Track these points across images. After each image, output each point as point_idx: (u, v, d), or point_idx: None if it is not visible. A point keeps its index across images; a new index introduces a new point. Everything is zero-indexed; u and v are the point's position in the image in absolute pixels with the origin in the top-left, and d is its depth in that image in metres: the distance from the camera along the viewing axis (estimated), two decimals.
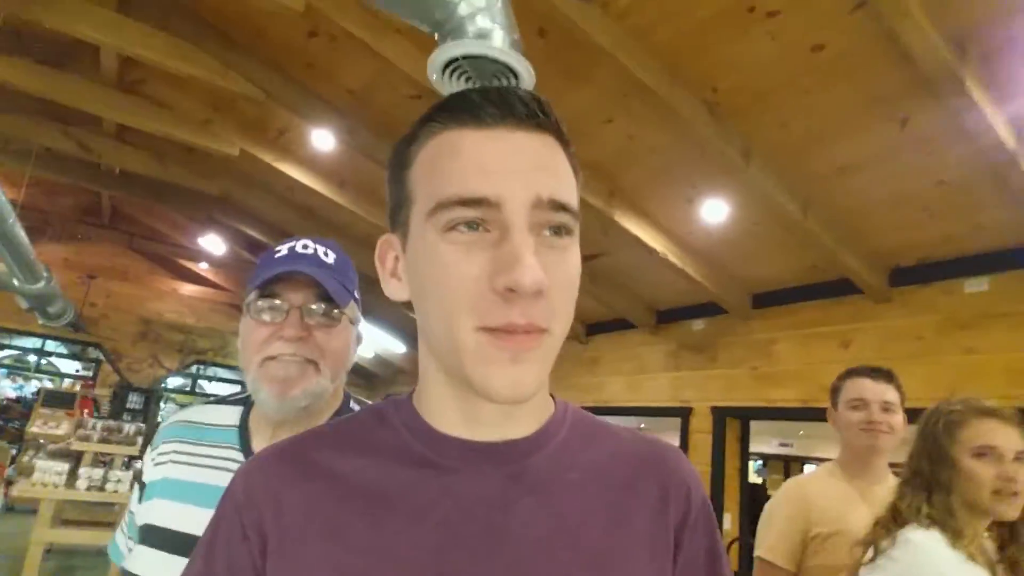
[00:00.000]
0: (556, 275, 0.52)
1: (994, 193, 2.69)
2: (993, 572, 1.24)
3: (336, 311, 0.97)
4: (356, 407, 1.04)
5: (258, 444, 0.98)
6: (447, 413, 0.58)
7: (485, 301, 0.50)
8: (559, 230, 0.53)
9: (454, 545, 0.54)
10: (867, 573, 1.31)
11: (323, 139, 3.81)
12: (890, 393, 1.74)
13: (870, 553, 1.33)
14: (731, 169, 2.98)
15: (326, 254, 1.02)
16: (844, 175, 2.94)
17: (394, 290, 0.60)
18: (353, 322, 1.03)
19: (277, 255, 1.00)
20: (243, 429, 1.00)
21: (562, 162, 0.55)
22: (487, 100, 0.53)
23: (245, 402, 1.04)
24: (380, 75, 3.15)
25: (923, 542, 1.25)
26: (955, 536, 1.24)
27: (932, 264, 3.40)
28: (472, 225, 0.51)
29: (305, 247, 1.01)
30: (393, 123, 3.50)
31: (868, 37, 2.16)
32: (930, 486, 1.32)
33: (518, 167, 0.52)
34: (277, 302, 0.95)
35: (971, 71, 2.15)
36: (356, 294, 1.04)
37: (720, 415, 4.56)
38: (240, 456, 0.97)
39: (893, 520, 1.33)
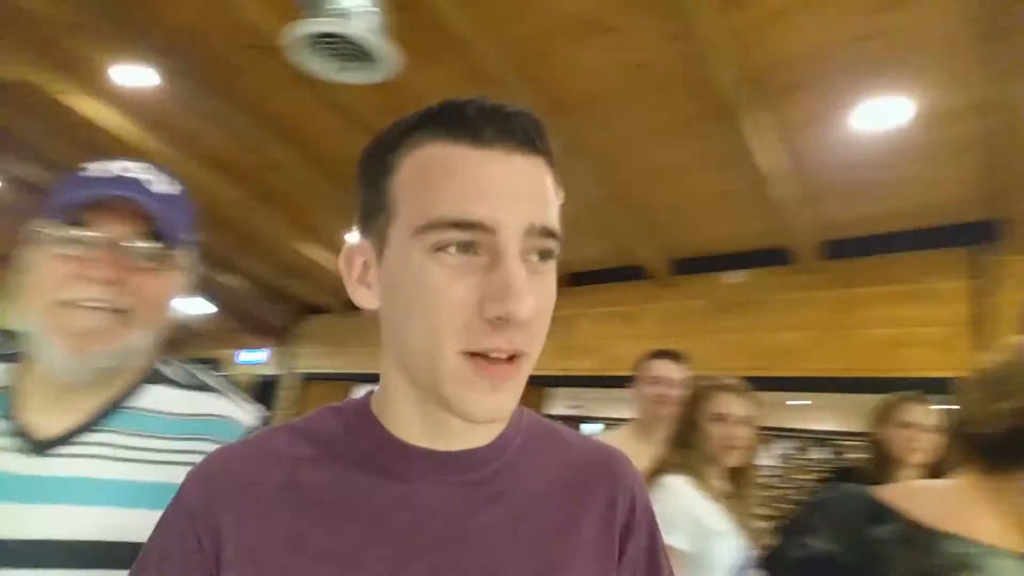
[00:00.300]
0: (539, 300, 0.51)
1: (758, 205, 3.24)
2: (726, 506, 1.60)
3: (165, 252, 0.78)
4: (167, 370, 0.88)
5: (33, 410, 0.76)
6: (410, 424, 0.57)
7: (472, 327, 0.49)
8: (544, 255, 0.53)
9: (413, 554, 0.53)
10: None
11: (137, 77, 3.33)
12: (680, 373, 2.07)
13: None
14: (559, 162, 3.21)
15: (159, 181, 0.80)
16: (650, 178, 3.34)
17: (362, 298, 0.57)
18: (183, 269, 0.83)
19: (92, 175, 0.78)
20: (10, 391, 0.77)
21: (550, 185, 0.54)
22: (486, 119, 0.51)
23: (10, 357, 0.80)
24: (214, 17, 2.85)
25: (675, 485, 1.58)
26: (698, 480, 1.59)
27: (706, 258, 4.01)
28: (463, 247, 0.49)
29: (132, 170, 0.79)
30: (223, 70, 3.19)
31: (683, 64, 2.48)
32: (683, 443, 1.67)
33: (514, 193, 0.50)
34: (88, 233, 0.73)
35: (762, 103, 2.58)
36: (191, 236, 0.84)
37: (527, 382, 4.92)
38: (4, 425, 0.75)
39: (657, 470, 1.65)
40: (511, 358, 0.50)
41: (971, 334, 3.07)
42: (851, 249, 3.48)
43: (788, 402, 6.71)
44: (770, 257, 3.72)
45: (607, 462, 0.65)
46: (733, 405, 1.68)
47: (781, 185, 2.98)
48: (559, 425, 0.69)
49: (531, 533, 0.57)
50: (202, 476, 0.56)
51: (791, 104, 2.59)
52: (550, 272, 0.54)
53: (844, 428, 7.28)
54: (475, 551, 0.54)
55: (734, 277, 3.94)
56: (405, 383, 0.56)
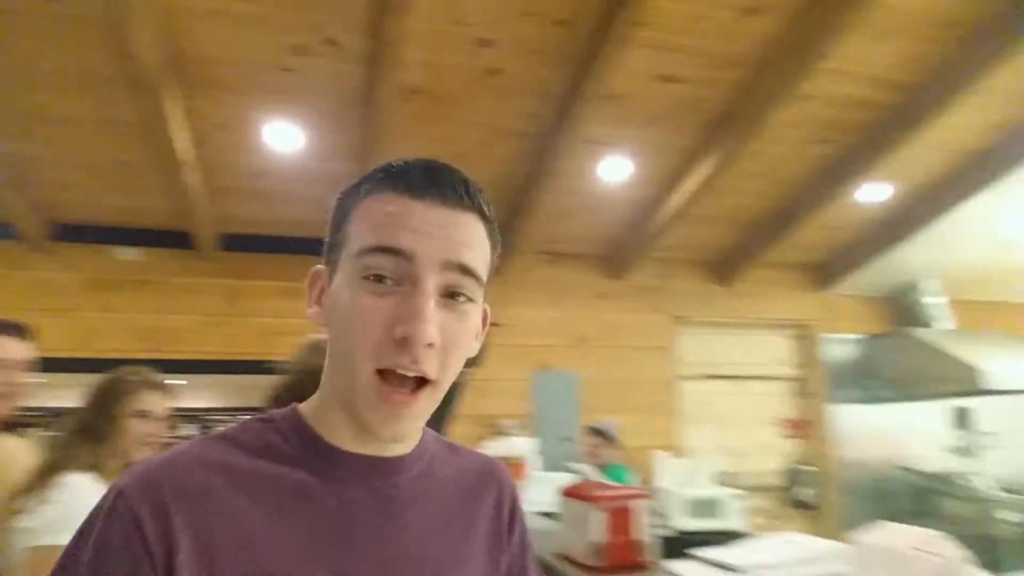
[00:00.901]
0: (453, 333, 0.57)
1: (161, 185, 3.17)
2: None
3: None
4: None
5: None
6: (345, 432, 0.62)
7: (383, 346, 0.55)
8: (463, 294, 0.59)
9: (357, 551, 0.59)
10: (23, 521, 1.37)
11: None
12: (25, 353, 1.72)
13: (23, 502, 1.39)
14: None
15: None
16: (35, 124, 2.82)
17: (314, 316, 0.64)
18: None
19: None
20: None
21: (480, 237, 0.61)
22: (424, 176, 0.59)
23: None
24: None
25: (80, 483, 1.43)
26: (105, 477, 1.48)
27: (95, 227, 3.62)
28: (388, 275, 0.56)
29: None
30: None
31: (102, 16, 2.24)
32: (94, 438, 1.53)
33: (436, 233, 0.57)
34: None
35: (184, 89, 2.57)
36: None
37: None
38: None
39: (50, 469, 1.45)
40: (417, 386, 0.57)
41: None
42: (246, 245, 3.81)
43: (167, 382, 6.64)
44: (169, 239, 3.68)
45: (492, 470, 0.76)
46: (157, 402, 1.63)
47: (189, 172, 3.03)
48: (448, 439, 0.77)
49: (441, 529, 0.66)
50: (144, 483, 0.55)
51: (212, 101, 2.71)
52: (469, 313, 0.60)
53: (216, 405, 7.83)
54: (407, 546, 0.62)
55: (127, 253, 3.70)
56: (339, 395, 0.61)
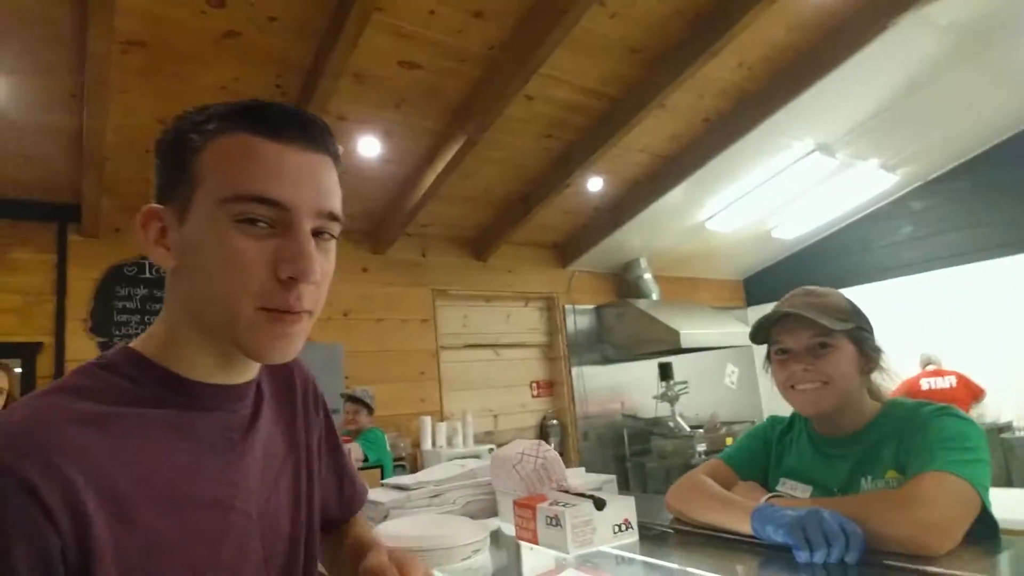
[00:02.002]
0: (324, 269, 0.62)
1: None
2: None
3: None
4: None
5: None
6: (203, 365, 0.64)
7: (267, 286, 0.58)
8: (328, 233, 0.63)
9: (226, 464, 0.64)
10: None
11: None
12: None
13: None
14: None
15: None
16: None
17: (160, 257, 0.62)
18: None
19: None
20: None
21: (336, 181, 0.65)
22: (286, 120, 0.60)
23: None
24: None
25: None
26: None
27: None
28: (263, 221, 0.58)
29: None
30: None
31: None
32: None
33: (308, 182, 0.60)
34: None
35: None
36: None
37: None
38: None
39: None
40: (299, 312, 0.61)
41: (53, 304, 3.32)
42: None
43: None
44: None
45: (295, 370, 0.83)
46: None
47: None
48: None
49: (284, 431, 0.76)
50: (22, 447, 0.50)
51: None
52: (333, 249, 0.65)
53: None
54: (257, 451, 0.69)
55: None
56: (197, 332, 0.63)
